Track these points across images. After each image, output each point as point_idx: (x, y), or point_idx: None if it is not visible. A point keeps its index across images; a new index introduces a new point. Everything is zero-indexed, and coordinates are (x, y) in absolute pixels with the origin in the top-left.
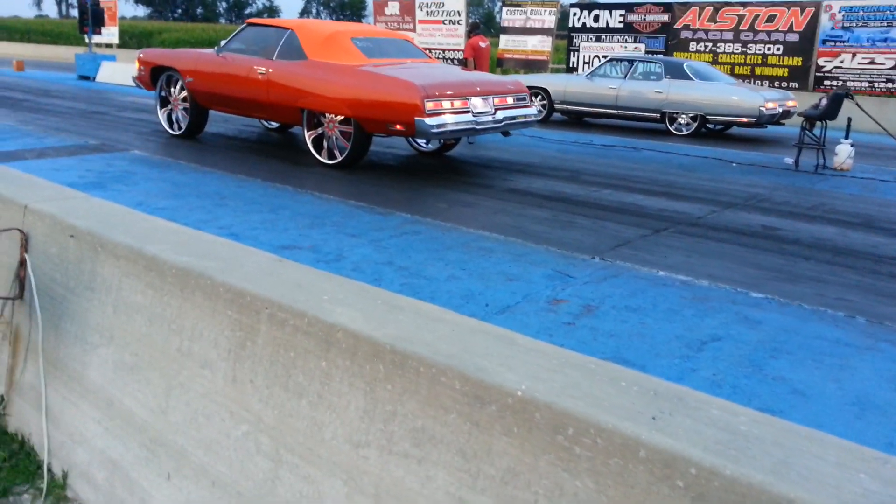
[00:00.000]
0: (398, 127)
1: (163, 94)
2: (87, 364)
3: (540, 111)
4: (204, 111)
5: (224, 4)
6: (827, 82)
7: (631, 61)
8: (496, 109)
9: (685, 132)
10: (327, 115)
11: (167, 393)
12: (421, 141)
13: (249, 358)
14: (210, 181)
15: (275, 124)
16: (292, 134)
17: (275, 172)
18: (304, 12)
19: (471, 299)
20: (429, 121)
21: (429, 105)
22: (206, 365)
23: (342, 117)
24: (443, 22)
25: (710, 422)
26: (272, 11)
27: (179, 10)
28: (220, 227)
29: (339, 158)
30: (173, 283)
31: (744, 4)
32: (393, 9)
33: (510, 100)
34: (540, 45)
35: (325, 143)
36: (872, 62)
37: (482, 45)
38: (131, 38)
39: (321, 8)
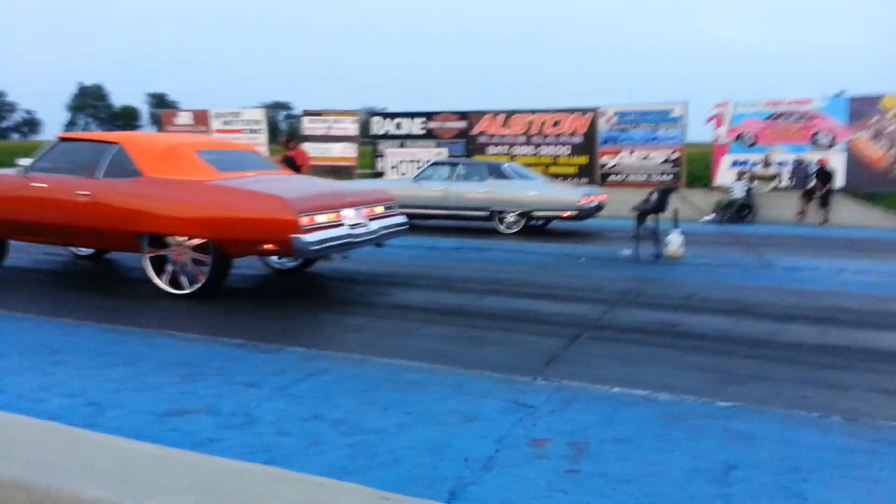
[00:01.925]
0: (269, 246)
1: None
2: None
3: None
4: (3, 243)
5: None
6: (611, 177)
7: (454, 164)
8: (369, 220)
9: (514, 230)
10: (175, 238)
11: None
12: (277, 258)
13: None
14: (29, 331)
15: (85, 251)
16: (110, 260)
17: (108, 311)
18: (71, 124)
19: (442, 454)
20: (306, 237)
21: (303, 220)
22: None
23: (196, 241)
24: (241, 131)
25: None
26: (33, 124)
27: None
28: (68, 394)
29: (194, 287)
30: None
31: (532, 111)
32: (184, 118)
33: (379, 209)
34: (345, 152)
35: (169, 271)
36: (647, 158)
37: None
38: None
39: (90, 120)
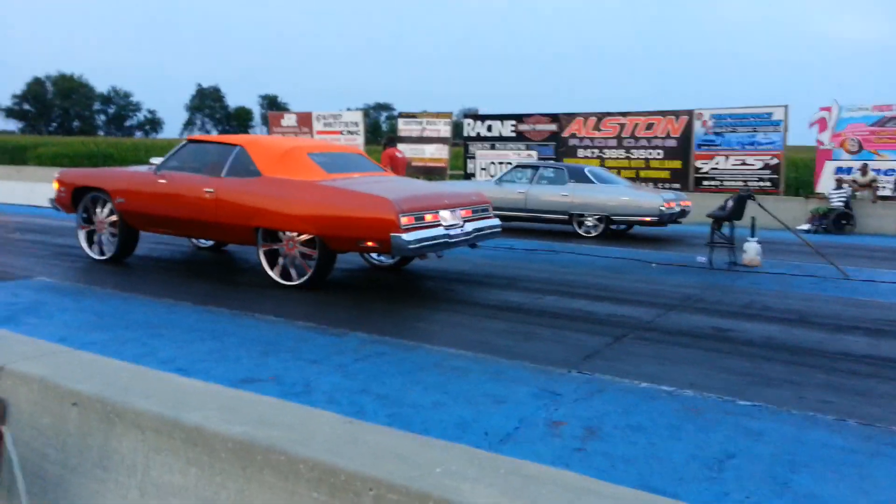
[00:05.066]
0: (370, 244)
1: (84, 216)
2: None
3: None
4: (135, 233)
5: (102, 117)
6: (705, 182)
7: (535, 167)
8: (464, 221)
9: (593, 233)
10: (286, 233)
11: None
12: (376, 255)
13: None
14: (135, 308)
15: (206, 243)
16: (225, 251)
17: (206, 295)
18: (189, 124)
19: (466, 428)
20: (405, 236)
21: (403, 220)
22: None
23: (304, 236)
24: (341, 132)
25: None
26: (154, 123)
27: (55, 124)
28: (161, 360)
29: (300, 279)
30: (230, 459)
31: (624, 114)
32: (289, 120)
33: (475, 211)
34: (437, 153)
35: (280, 263)
36: (744, 163)
37: (398, 155)
38: (3, 153)
39: (206, 120)
